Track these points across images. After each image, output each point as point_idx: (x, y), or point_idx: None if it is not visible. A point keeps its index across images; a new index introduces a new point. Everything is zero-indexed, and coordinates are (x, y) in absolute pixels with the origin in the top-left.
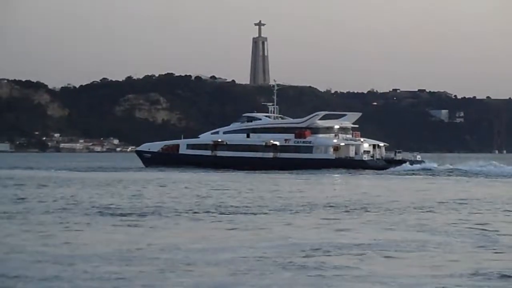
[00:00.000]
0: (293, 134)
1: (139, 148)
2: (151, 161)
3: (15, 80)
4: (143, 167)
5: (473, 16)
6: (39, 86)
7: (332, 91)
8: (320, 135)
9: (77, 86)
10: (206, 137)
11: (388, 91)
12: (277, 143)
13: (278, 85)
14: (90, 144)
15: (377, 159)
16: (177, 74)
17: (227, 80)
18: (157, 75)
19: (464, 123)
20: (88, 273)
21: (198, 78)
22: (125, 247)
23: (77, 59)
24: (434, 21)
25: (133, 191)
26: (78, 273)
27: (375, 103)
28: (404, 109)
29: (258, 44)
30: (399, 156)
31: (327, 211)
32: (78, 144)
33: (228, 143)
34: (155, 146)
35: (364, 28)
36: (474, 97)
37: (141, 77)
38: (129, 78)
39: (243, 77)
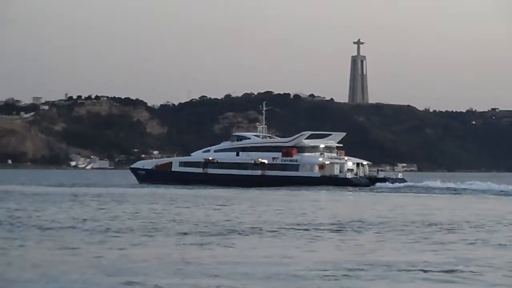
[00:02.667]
0: (281, 153)
1: (133, 166)
2: (145, 178)
3: (114, 97)
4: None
5: None
6: (138, 104)
7: (431, 110)
8: (306, 154)
9: (176, 104)
10: (197, 155)
11: (486, 110)
12: (265, 161)
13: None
14: None
15: (360, 176)
16: (276, 92)
17: (326, 98)
18: (255, 93)
19: None
20: None
21: (296, 96)
22: None
23: (176, 77)
24: None
25: None
26: None
27: (473, 122)
28: (503, 128)
29: (357, 62)
30: (381, 174)
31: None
32: None
33: (218, 161)
34: (149, 163)
35: (462, 47)
36: None
37: (240, 95)
38: (228, 96)
39: (341, 96)
